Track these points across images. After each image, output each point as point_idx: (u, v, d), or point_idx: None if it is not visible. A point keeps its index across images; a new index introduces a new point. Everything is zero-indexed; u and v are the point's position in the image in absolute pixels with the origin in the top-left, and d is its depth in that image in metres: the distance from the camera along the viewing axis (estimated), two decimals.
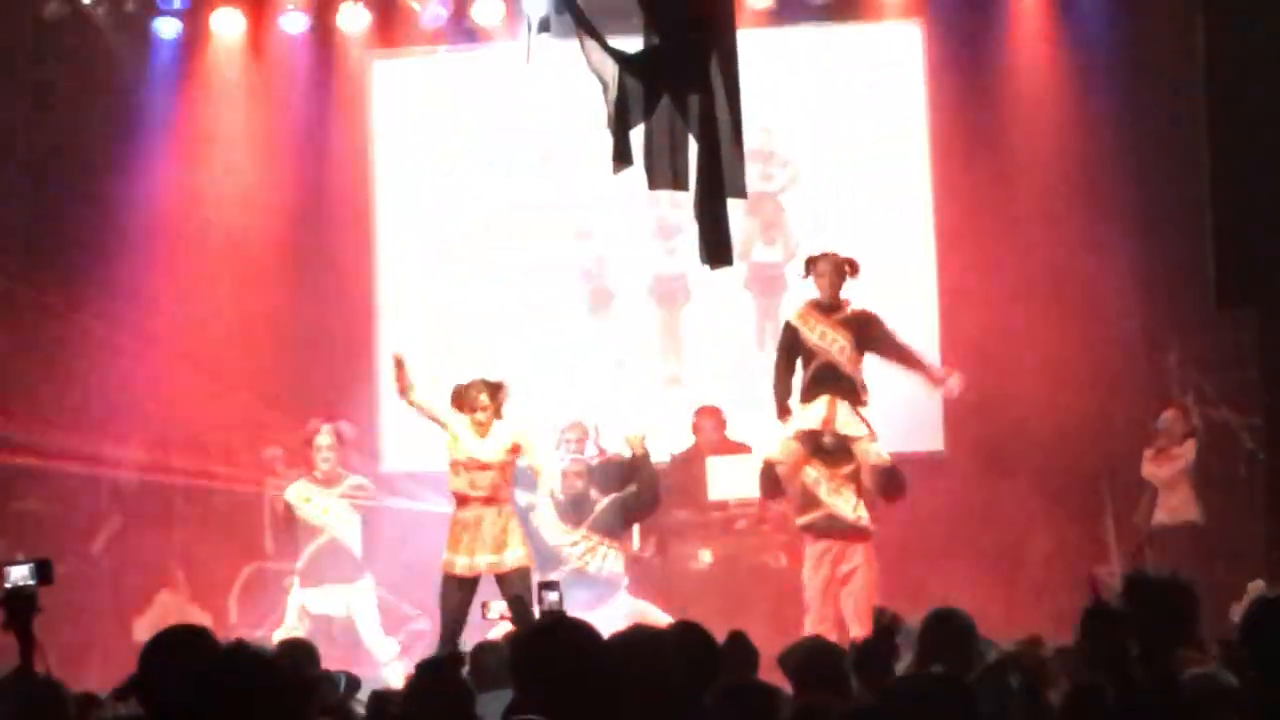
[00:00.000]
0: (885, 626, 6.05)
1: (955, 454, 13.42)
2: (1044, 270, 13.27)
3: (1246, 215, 12.53)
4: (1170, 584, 6.11)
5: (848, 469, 10.64)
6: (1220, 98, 12.88)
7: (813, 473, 10.67)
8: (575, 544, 10.09)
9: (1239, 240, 12.66)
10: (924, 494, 12.90)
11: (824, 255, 11.05)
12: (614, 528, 10.21)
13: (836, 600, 10.65)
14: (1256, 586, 10.59)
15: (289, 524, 11.49)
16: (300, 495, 11.38)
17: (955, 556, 12.50)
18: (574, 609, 9.93)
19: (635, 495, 10.35)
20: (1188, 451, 12.26)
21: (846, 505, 10.60)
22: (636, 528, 11.50)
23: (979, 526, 12.91)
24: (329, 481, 11.39)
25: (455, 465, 10.18)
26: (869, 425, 10.75)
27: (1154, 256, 13.10)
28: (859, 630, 10.12)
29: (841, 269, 10.89)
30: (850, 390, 10.75)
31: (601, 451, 11.12)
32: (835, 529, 10.64)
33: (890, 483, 10.88)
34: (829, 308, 10.88)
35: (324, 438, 11.37)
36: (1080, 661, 5.91)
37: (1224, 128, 12.81)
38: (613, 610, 9.94)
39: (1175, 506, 12.21)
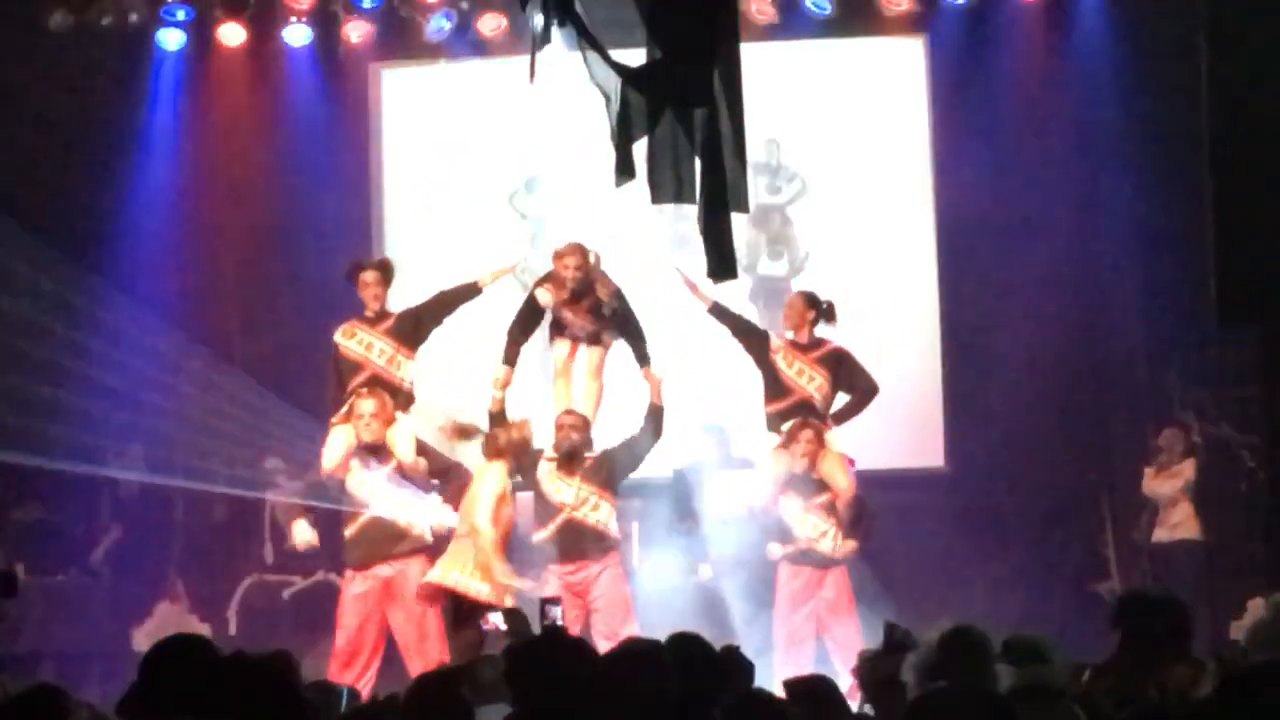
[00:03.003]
0: (898, 641, 5.99)
1: (956, 470, 13.42)
2: (1046, 286, 13.26)
3: (1248, 233, 12.57)
4: (1164, 601, 6.13)
5: (822, 499, 10.62)
6: (1222, 115, 12.91)
7: (788, 505, 10.66)
8: (570, 494, 10.06)
9: (1241, 258, 12.70)
10: (925, 510, 12.94)
11: (797, 293, 11.16)
12: (606, 479, 10.16)
13: (814, 630, 10.61)
14: (1256, 605, 10.60)
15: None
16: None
17: (954, 572, 12.51)
18: (569, 563, 9.95)
19: (626, 446, 10.26)
20: (1188, 469, 12.27)
21: (823, 537, 10.59)
22: (636, 538, 11.45)
23: (979, 543, 12.90)
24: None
25: None
26: (846, 470, 10.72)
27: (1156, 274, 13.11)
28: (841, 646, 10.13)
29: (808, 307, 10.84)
30: (821, 426, 10.74)
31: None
32: (810, 561, 10.62)
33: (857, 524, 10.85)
34: (805, 346, 10.85)
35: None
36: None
37: (1226, 144, 12.85)
38: (603, 589, 10.02)
39: (1175, 524, 12.22)
